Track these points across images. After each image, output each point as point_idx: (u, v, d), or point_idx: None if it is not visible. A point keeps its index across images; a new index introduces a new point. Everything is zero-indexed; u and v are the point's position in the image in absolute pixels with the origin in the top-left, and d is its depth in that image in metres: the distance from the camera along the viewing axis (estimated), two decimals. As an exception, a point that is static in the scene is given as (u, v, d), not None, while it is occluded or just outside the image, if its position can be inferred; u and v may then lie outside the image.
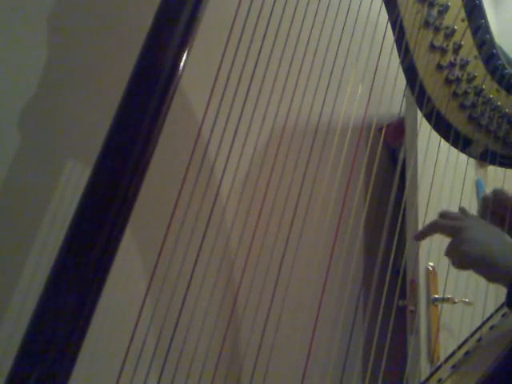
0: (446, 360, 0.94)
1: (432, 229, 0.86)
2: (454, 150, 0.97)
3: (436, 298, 1.35)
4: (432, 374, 0.94)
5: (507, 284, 0.73)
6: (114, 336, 0.84)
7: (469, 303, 1.33)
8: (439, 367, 0.94)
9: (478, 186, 1.62)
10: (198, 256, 0.76)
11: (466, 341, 0.97)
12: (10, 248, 0.77)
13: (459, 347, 0.95)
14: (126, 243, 0.82)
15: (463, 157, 0.99)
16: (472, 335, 0.97)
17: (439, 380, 0.90)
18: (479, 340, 0.95)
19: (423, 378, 0.97)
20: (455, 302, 1.33)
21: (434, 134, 0.96)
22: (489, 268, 0.76)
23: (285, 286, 0.89)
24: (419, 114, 0.97)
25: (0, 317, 0.76)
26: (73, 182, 0.82)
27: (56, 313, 0.54)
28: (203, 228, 0.77)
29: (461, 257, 0.79)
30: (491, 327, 0.97)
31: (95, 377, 0.82)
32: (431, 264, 1.37)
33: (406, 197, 1.26)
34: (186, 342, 0.78)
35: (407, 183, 1.27)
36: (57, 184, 0.82)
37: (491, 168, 1.14)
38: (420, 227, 1.28)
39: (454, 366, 0.91)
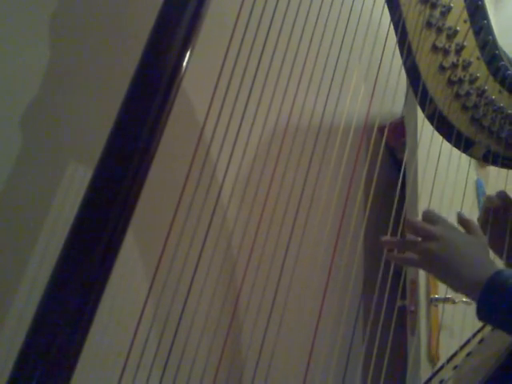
0: (448, 361, 0.94)
1: (401, 245, 0.81)
2: (456, 151, 0.97)
3: (436, 298, 1.35)
4: (433, 375, 0.94)
5: (476, 296, 0.70)
6: (115, 339, 0.84)
7: (469, 303, 1.33)
8: (441, 368, 0.94)
9: (478, 185, 1.61)
10: (199, 259, 0.75)
11: (467, 342, 0.97)
12: (12, 250, 0.77)
13: (461, 348, 0.95)
14: (128, 246, 0.82)
15: (465, 157, 0.99)
16: (474, 336, 0.98)
17: (441, 381, 0.90)
18: (481, 341, 0.95)
19: (424, 379, 0.97)
20: (455, 302, 1.33)
21: (436, 134, 0.95)
22: (452, 275, 0.72)
23: (286, 287, 0.89)
24: (421, 115, 0.97)
25: (2, 318, 0.75)
26: (75, 184, 0.81)
27: (57, 315, 0.54)
28: (204, 230, 0.76)
29: (423, 253, 0.75)
30: (493, 328, 0.97)
31: (96, 380, 0.81)
32: (431, 264, 1.37)
33: (408, 197, 1.26)
34: (186, 345, 0.78)
35: (408, 183, 1.27)
36: (59, 186, 0.81)
37: (493, 169, 1.14)
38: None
39: (455, 367, 0.91)
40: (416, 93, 0.91)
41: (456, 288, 0.75)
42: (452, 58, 0.92)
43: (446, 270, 0.73)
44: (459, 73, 0.92)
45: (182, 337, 0.76)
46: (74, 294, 0.55)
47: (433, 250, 0.73)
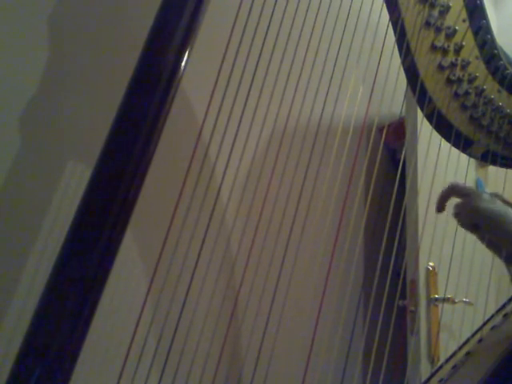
0: (447, 360, 0.94)
1: (450, 191, 0.89)
2: (455, 151, 0.97)
3: (436, 298, 1.35)
4: (433, 375, 0.94)
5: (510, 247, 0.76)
6: (115, 338, 0.84)
7: (469, 303, 1.33)
8: (440, 368, 0.94)
9: (478, 185, 1.62)
10: (198, 258, 0.75)
11: (466, 341, 0.97)
12: (11, 249, 0.77)
13: (460, 348, 0.95)
14: (127, 245, 0.82)
15: (464, 157, 0.99)
16: (473, 335, 0.97)
17: (440, 380, 0.90)
18: (480, 340, 0.95)
19: (424, 379, 0.97)
20: (455, 302, 1.33)
21: (435, 134, 0.95)
22: (496, 226, 0.79)
23: (285, 287, 0.89)
24: (420, 115, 0.97)
25: (1, 317, 0.75)
26: (73, 183, 0.82)
27: (57, 314, 0.54)
28: (204, 230, 0.76)
29: (470, 212, 0.82)
30: (492, 328, 0.97)
31: (96, 378, 0.82)
32: (431, 264, 1.37)
33: (407, 197, 1.26)
34: (186, 343, 0.78)
35: (408, 183, 1.27)
36: (57, 185, 0.81)
37: (492, 168, 1.14)
38: (420, 227, 1.28)
39: (454, 367, 0.91)
40: (414, 92, 0.91)
41: (498, 237, 0.81)
42: (451, 57, 0.92)
43: (490, 218, 0.80)
44: (458, 72, 0.92)
45: (181, 335, 0.76)
46: (73, 292, 0.55)
47: (482, 200, 0.82)
